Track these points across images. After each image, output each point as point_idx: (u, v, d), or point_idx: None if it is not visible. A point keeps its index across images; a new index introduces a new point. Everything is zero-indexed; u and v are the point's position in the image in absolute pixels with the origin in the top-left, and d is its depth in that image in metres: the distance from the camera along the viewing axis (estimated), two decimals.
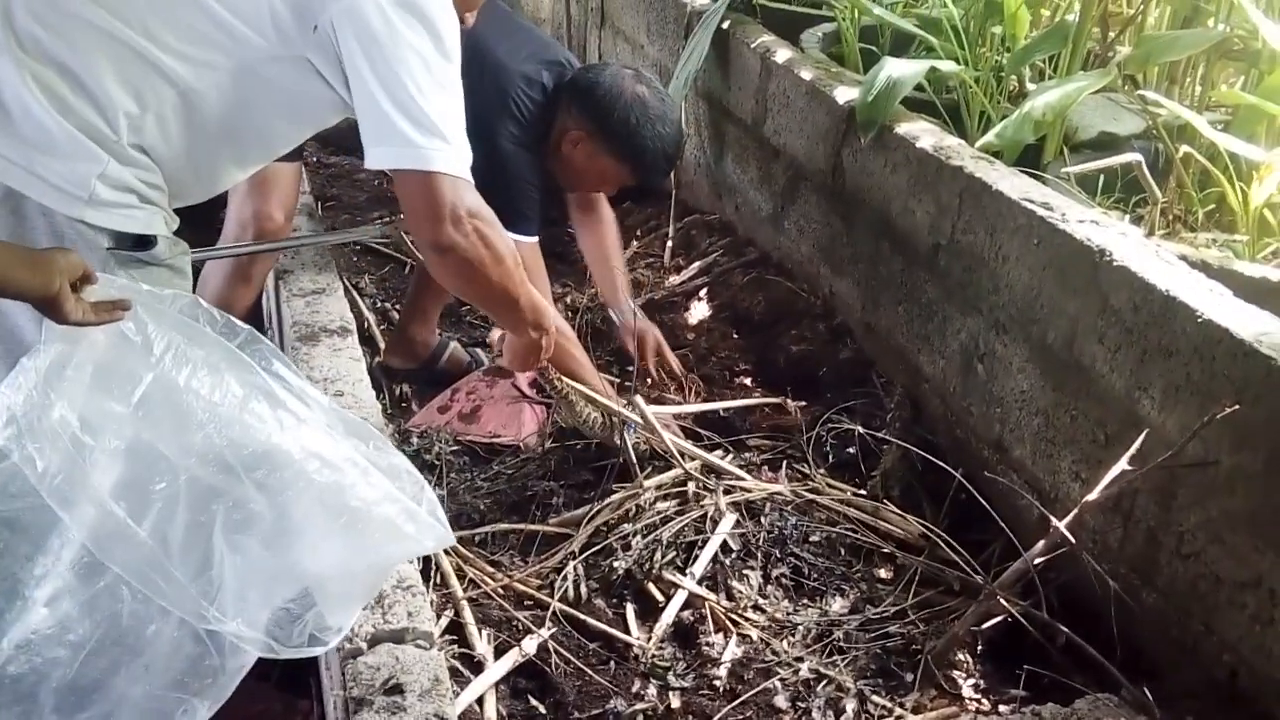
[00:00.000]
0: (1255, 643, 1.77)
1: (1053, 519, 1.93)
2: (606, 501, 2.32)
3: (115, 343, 1.50)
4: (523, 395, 2.83)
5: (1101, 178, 2.61)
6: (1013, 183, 2.37)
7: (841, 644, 2.02)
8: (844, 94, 2.89)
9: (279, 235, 2.72)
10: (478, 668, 1.95)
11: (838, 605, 2.12)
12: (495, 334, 3.02)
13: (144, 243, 1.82)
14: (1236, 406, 1.77)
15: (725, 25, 3.41)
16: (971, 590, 2.11)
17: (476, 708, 1.88)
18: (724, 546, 2.20)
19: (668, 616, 2.08)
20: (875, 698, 1.91)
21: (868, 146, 2.78)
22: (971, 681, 1.96)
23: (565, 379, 2.47)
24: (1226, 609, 1.82)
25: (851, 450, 2.51)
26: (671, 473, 2.36)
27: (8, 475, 1.43)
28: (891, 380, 2.73)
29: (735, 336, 3.06)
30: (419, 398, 2.95)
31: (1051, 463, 2.22)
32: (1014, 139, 2.56)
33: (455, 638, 2.01)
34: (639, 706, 1.90)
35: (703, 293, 3.25)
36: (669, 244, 3.51)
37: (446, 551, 2.16)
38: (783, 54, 3.21)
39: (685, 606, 2.10)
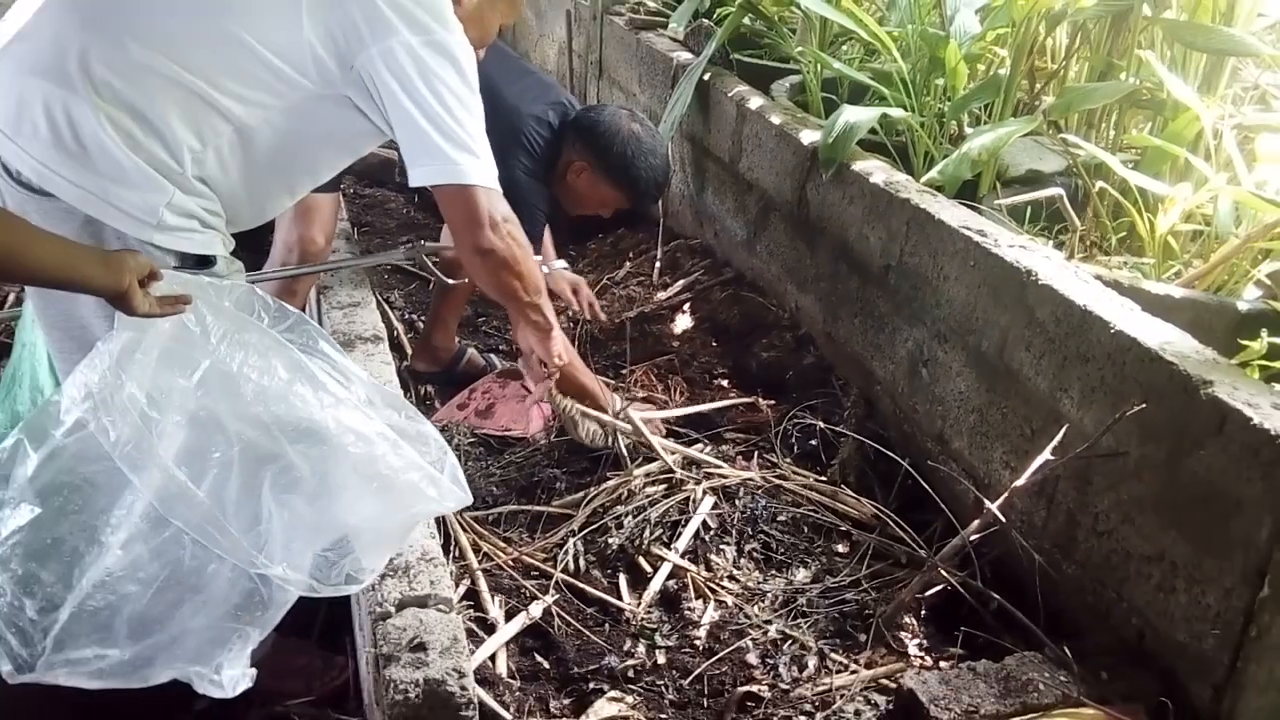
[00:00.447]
0: (1159, 608, 1.78)
1: (986, 501, 1.93)
2: (602, 487, 2.32)
3: (178, 331, 1.52)
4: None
5: (1029, 209, 2.62)
6: (953, 213, 2.38)
7: (804, 609, 2.03)
8: (808, 136, 2.90)
9: (320, 256, 2.72)
10: (491, 629, 1.95)
11: (801, 576, 2.12)
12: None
13: (205, 262, 1.83)
14: (1144, 405, 1.78)
15: (706, 76, 3.41)
16: (916, 563, 2.11)
17: (490, 663, 1.88)
18: (704, 525, 2.21)
19: (655, 585, 2.08)
20: (833, 655, 1.92)
21: (828, 181, 2.78)
22: (916, 641, 1.96)
23: (567, 400, 2.47)
24: (1135, 579, 1.83)
25: (814, 443, 2.52)
26: (658, 464, 2.36)
27: (87, 443, 1.46)
28: (848, 382, 2.73)
29: (714, 344, 3.06)
30: (441, 397, 2.95)
31: (985, 453, 2.23)
32: (954, 175, 2.57)
33: (471, 603, 2.01)
34: (630, 662, 1.91)
35: (686, 307, 3.25)
36: (657, 264, 3.51)
37: (464, 528, 2.16)
38: (755, 101, 3.21)
39: (670, 577, 2.10)
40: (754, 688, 1.83)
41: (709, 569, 2.12)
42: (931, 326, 2.40)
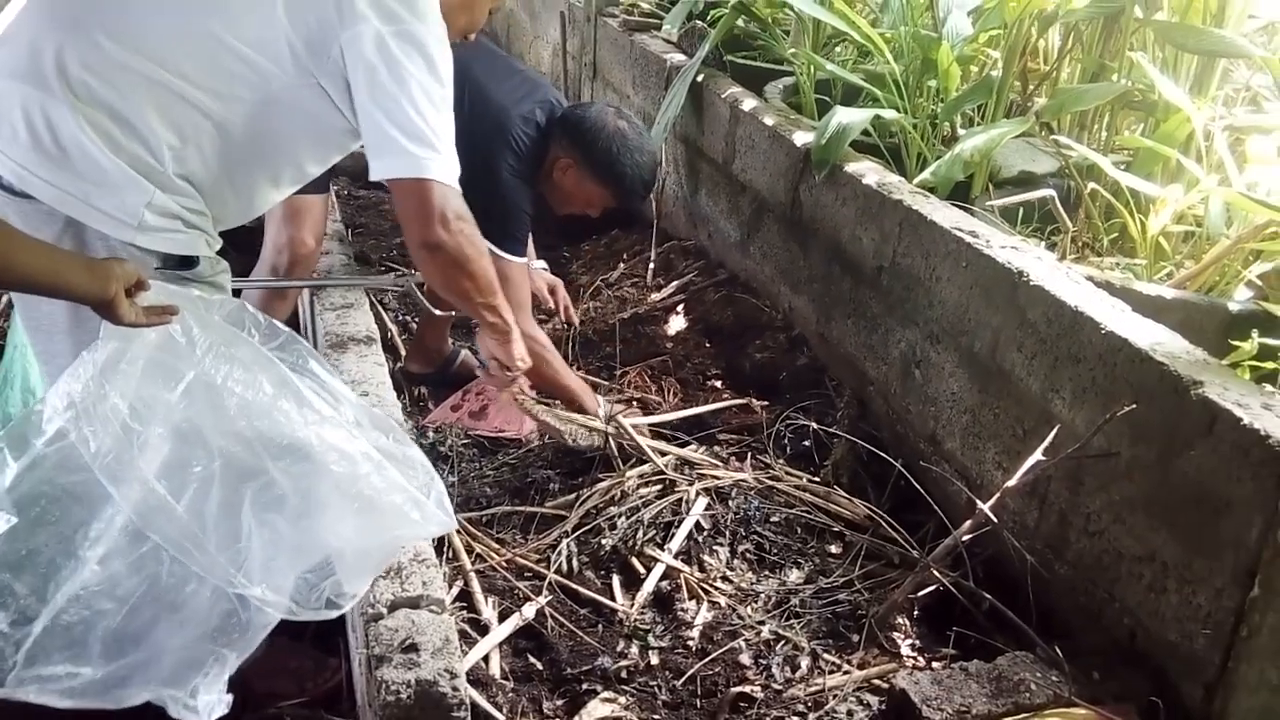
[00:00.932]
0: (1150, 608, 1.78)
1: (978, 502, 1.93)
2: (595, 488, 2.32)
3: (164, 342, 1.50)
4: (525, 395, 2.83)
5: (1021, 210, 2.62)
6: (945, 214, 2.38)
7: (798, 609, 2.03)
8: (801, 138, 2.90)
9: (310, 259, 2.71)
10: (484, 630, 1.95)
11: (794, 576, 2.12)
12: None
13: (187, 262, 1.82)
14: (1134, 405, 1.78)
15: (700, 78, 3.41)
16: (909, 563, 2.11)
17: (483, 664, 1.88)
18: (697, 526, 2.20)
19: (648, 586, 2.08)
20: (826, 655, 1.92)
21: (821, 183, 2.79)
22: (909, 642, 1.96)
23: (537, 406, 2.45)
24: (1126, 579, 1.83)
25: (807, 443, 2.52)
26: (650, 465, 2.36)
27: (67, 453, 1.43)
28: (841, 383, 2.73)
29: (708, 345, 3.07)
30: (434, 398, 2.95)
31: (977, 454, 2.23)
32: (946, 177, 2.57)
33: (464, 604, 2.00)
34: (623, 663, 1.90)
35: (680, 308, 3.25)
36: (651, 266, 3.52)
37: (457, 530, 2.16)
38: (749, 103, 3.21)
39: (664, 578, 2.10)
40: (747, 688, 1.83)
41: (702, 570, 2.12)
42: (924, 327, 2.41)
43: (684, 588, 2.07)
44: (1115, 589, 1.85)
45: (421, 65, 1.76)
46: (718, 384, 2.89)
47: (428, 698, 1.43)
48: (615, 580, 2.11)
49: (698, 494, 2.27)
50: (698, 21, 3.71)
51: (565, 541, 2.18)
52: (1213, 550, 1.66)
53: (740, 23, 3.45)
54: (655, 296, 3.33)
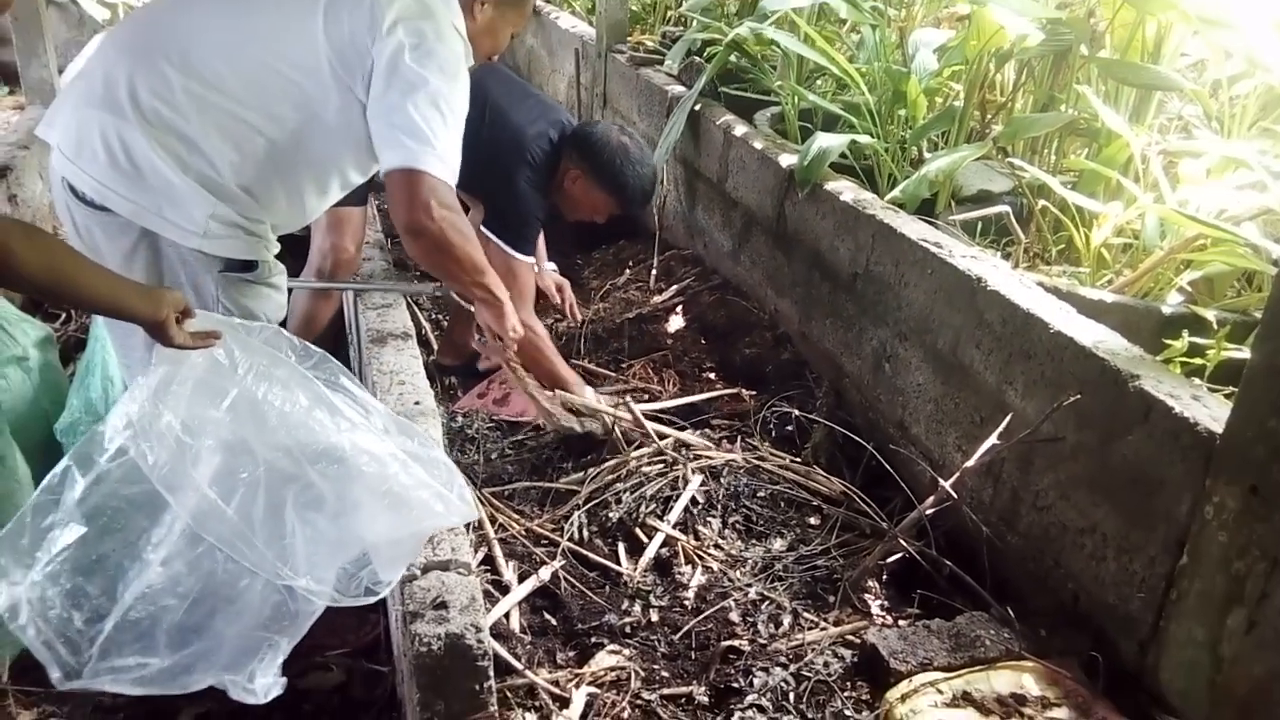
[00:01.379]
0: (1091, 574, 1.77)
1: (940, 480, 1.93)
2: (602, 466, 2.32)
3: (209, 365, 1.50)
4: (543, 384, 2.82)
5: (980, 224, 2.61)
6: (913, 227, 2.37)
7: (781, 574, 2.02)
8: (786, 159, 2.89)
9: (351, 263, 2.72)
10: (505, 590, 1.95)
11: (778, 544, 2.12)
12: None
13: (248, 266, 1.83)
14: (1079, 396, 1.77)
15: (697, 107, 3.40)
16: (879, 534, 2.11)
17: (504, 620, 1.88)
18: (693, 500, 2.20)
19: (650, 552, 2.08)
20: (806, 614, 1.92)
21: (804, 199, 2.78)
22: (878, 602, 1.96)
23: (529, 378, 2.41)
24: (1071, 549, 1.82)
25: (790, 428, 2.51)
26: (651, 447, 2.35)
27: (128, 467, 1.43)
28: (820, 375, 2.73)
29: (703, 342, 3.06)
30: (463, 387, 2.94)
31: (940, 438, 2.22)
32: (914, 194, 2.56)
33: (488, 567, 2.01)
34: (627, 620, 1.90)
35: (679, 309, 3.24)
36: (653, 272, 3.50)
37: (482, 502, 2.15)
38: (740, 129, 3.20)
39: (663, 545, 2.10)
40: (736, 642, 1.83)
41: (697, 538, 2.12)
42: (894, 327, 2.40)
43: (681, 554, 2.07)
44: (1061, 557, 1.85)
45: (436, 78, 1.73)
46: (712, 376, 2.88)
47: (456, 649, 1.43)
48: (621, 547, 2.11)
49: (694, 472, 2.26)
50: (696, 57, 3.69)
51: (577, 513, 2.18)
52: (1147, 523, 1.65)
53: (733, 58, 3.43)
54: (657, 299, 3.32)
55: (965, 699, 1.60)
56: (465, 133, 1.84)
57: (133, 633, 1.40)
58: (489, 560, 2.03)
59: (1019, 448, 1.90)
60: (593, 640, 1.86)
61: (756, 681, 1.72)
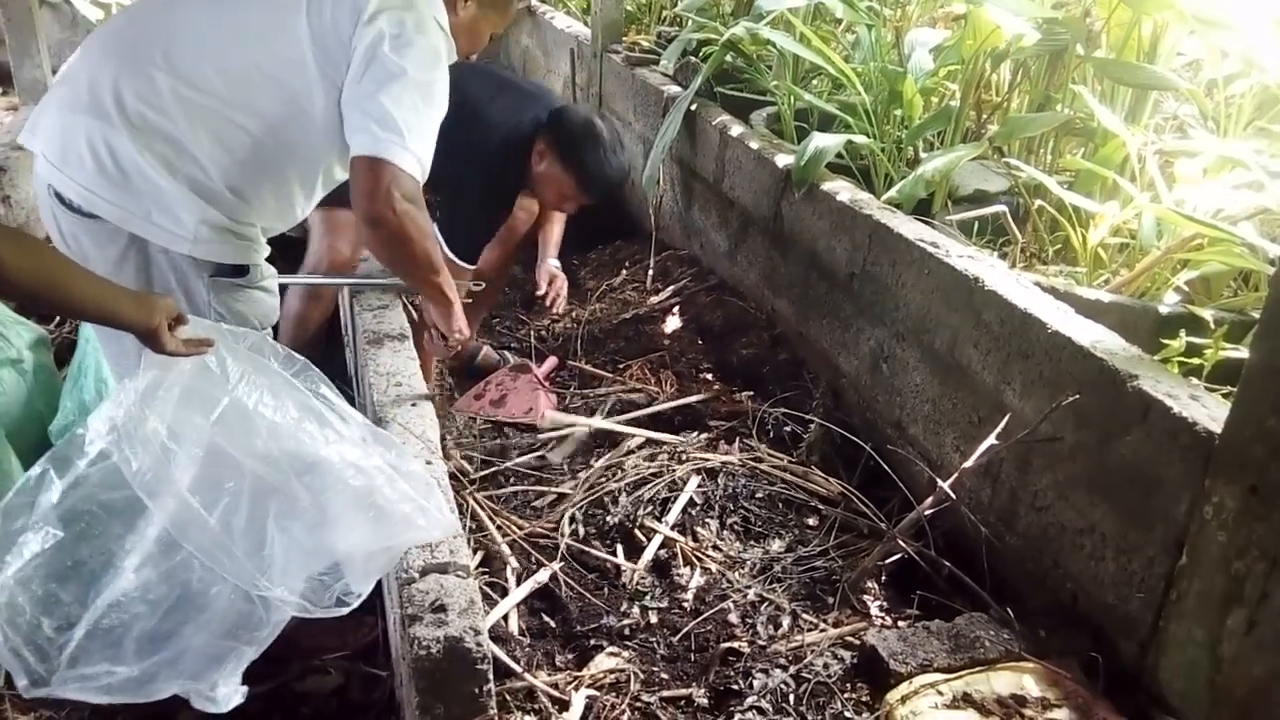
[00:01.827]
0: (1090, 574, 1.77)
1: (939, 481, 1.93)
2: (594, 467, 2.32)
3: (199, 371, 1.48)
4: (540, 385, 2.82)
5: (976, 224, 2.61)
6: (909, 227, 2.37)
7: (779, 575, 2.02)
8: (782, 159, 2.89)
9: (347, 265, 2.70)
10: (503, 592, 1.95)
11: (776, 546, 2.12)
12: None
13: (239, 271, 1.81)
14: (1077, 396, 1.77)
15: (693, 107, 3.40)
16: (877, 534, 2.11)
17: (503, 622, 1.87)
18: (691, 501, 2.20)
19: (648, 554, 2.07)
20: (804, 615, 1.91)
21: (800, 199, 2.78)
22: (877, 603, 1.96)
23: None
24: (1069, 549, 1.82)
25: (787, 429, 2.51)
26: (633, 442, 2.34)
27: (109, 472, 1.41)
28: (818, 376, 2.72)
29: (700, 343, 3.05)
30: (460, 388, 2.94)
31: (938, 438, 2.22)
32: (910, 194, 2.56)
33: (486, 569, 2.00)
34: (626, 621, 1.90)
35: (675, 309, 3.24)
36: (650, 272, 3.50)
37: (480, 505, 2.15)
38: (736, 129, 3.20)
39: (661, 547, 2.09)
40: (735, 644, 1.82)
41: (695, 540, 2.11)
42: (891, 327, 2.39)
43: (679, 556, 2.06)
44: (1060, 557, 1.85)
45: (414, 69, 1.71)
46: (709, 376, 2.88)
47: (455, 652, 1.42)
48: (619, 549, 2.11)
49: (691, 473, 2.26)
50: (691, 57, 3.69)
51: (572, 511, 2.17)
52: (1146, 523, 1.65)
53: (729, 58, 3.43)
54: (654, 299, 3.32)
55: (965, 700, 1.59)
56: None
57: (103, 641, 1.38)
58: (487, 562, 2.02)
59: (1017, 448, 1.90)
60: (591, 642, 1.85)
61: (756, 683, 1.72)
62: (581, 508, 2.19)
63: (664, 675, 1.78)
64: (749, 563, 2.06)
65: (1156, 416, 1.62)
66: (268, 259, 1.91)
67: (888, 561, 2.00)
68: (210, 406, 1.46)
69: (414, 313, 2.26)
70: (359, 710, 1.87)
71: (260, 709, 1.80)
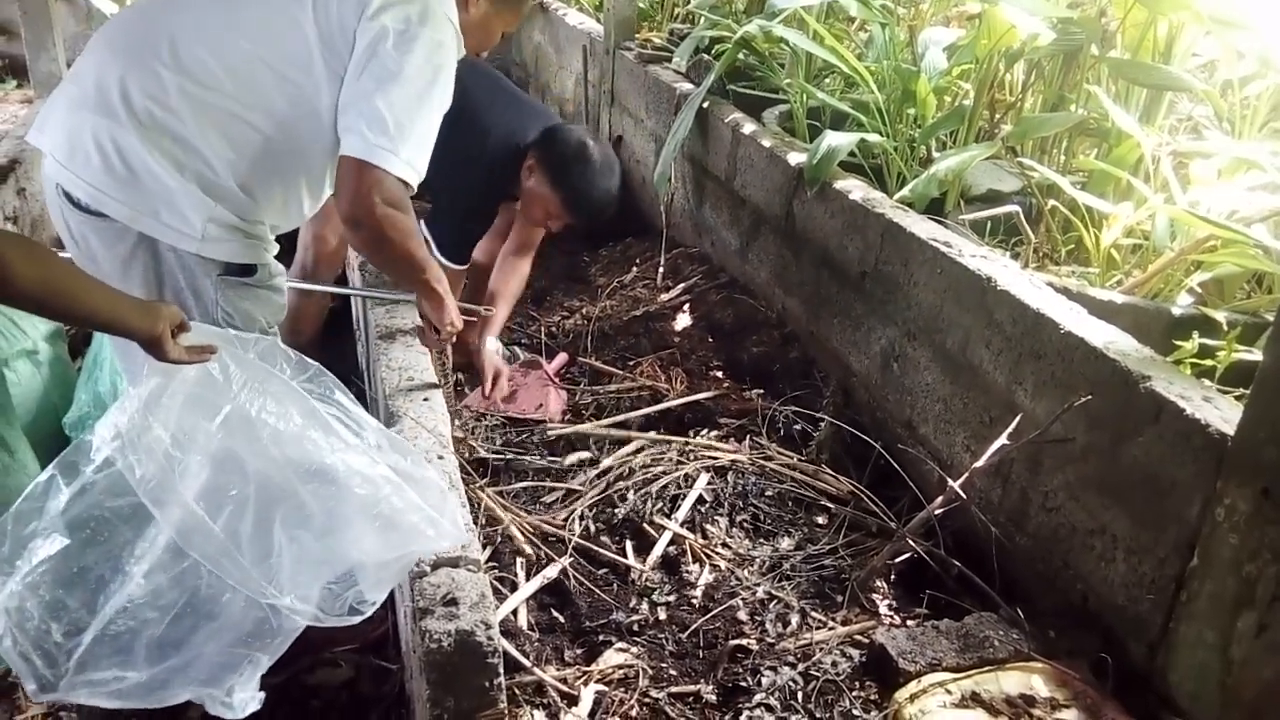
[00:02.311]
0: (1101, 575, 1.77)
1: (949, 480, 1.93)
2: (602, 464, 2.32)
3: (203, 379, 1.48)
4: (550, 381, 2.83)
5: (989, 223, 2.61)
6: (922, 226, 2.37)
7: (788, 573, 2.02)
8: (795, 158, 2.89)
9: (334, 256, 2.71)
10: (513, 587, 1.95)
11: (786, 543, 2.12)
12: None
13: (247, 270, 1.81)
14: (1090, 397, 1.77)
15: (705, 105, 3.40)
16: (887, 533, 2.11)
17: (512, 616, 1.88)
18: (700, 499, 2.20)
19: (657, 551, 2.08)
20: (813, 613, 1.92)
21: (812, 198, 2.77)
22: (886, 602, 1.96)
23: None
24: (1080, 550, 1.82)
25: (797, 427, 2.51)
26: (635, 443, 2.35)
27: (115, 479, 1.41)
28: (828, 374, 2.73)
29: (710, 341, 3.05)
30: (471, 384, 2.94)
31: (948, 438, 2.22)
32: (923, 193, 2.56)
33: (496, 564, 2.01)
34: (635, 618, 1.91)
35: (686, 307, 3.24)
36: (660, 270, 3.50)
37: (491, 500, 2.15)
38: (749, 127, 3.20)
39: (670, 543, 2.10)
40: (744, 641, 1.83)
41: (705, 537, 2.12)
42: (902, 326, 2.39)
43: (689, 552, 2.07)
44: (1070, 558, 1.85)
45: (414, 69, 1.68)
46: (719, 374, 2.88)
47: (466, 646, 1.43)
48: (628, 545, 2.11)
49: (701, 470, 2.26)
50: (704, 54, 3.69)
51: (584, 508, 2.18)
52: (1157, 525, 1.65)
53: (742, 56, 3.43)
54: (664, 297, 3.32)
55: (974, 699, 1.60)
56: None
57: (111, 646, 1.38)
58: (497, 557, 2.03)
59: (1028, 448, 1.90)
60: (600, 638, 1.86)
61: (764, 680, 1.72)
62: (591, 504, 2.20)
63: (672, 671, 1.79)
64: (758, 560, 2.06)
65: (1169, 418, 1.62)
66: (275, 256, 1.91)
67: (897, 560, 2.00)
68: (213, 413, 1.45)
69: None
70: (369, 703, 1.88)
71: (270, 701, 1.81)
